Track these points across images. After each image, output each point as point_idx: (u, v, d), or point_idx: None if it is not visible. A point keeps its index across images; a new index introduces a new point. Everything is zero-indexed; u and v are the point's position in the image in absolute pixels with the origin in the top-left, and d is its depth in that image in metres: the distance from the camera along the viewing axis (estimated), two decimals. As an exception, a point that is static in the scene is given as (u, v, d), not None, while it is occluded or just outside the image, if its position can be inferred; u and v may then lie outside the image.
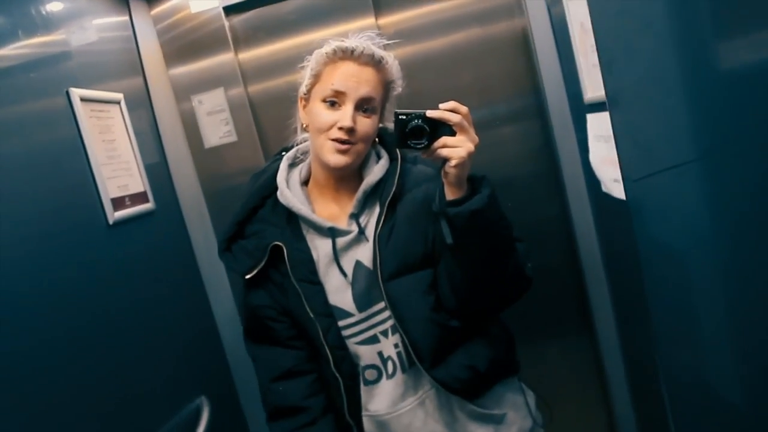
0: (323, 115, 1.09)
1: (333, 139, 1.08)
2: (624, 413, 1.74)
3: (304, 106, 1.17)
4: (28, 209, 1.14)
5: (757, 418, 1.00)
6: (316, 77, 1.12)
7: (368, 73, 1.10)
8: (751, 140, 0.89)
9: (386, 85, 1.14)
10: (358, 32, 1.13)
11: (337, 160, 1.09)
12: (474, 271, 1.07)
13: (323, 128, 1.09)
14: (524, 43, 1.69)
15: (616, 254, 1.53)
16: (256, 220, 1.20)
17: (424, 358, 1.12)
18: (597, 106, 1.28)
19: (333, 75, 1.09)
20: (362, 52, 1.08)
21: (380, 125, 1.20)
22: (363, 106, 1.09)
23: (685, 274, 0.95)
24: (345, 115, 1.08)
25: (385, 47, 1.14)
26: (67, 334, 1.17)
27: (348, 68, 1.09)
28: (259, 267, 1.16)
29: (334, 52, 1.10)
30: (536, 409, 1.27)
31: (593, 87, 1.33)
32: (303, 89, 1.16)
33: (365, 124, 1.10)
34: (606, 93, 1.01)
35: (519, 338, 1.31)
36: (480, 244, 1.03)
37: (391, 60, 1.14)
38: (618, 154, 1.01)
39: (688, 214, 0.85)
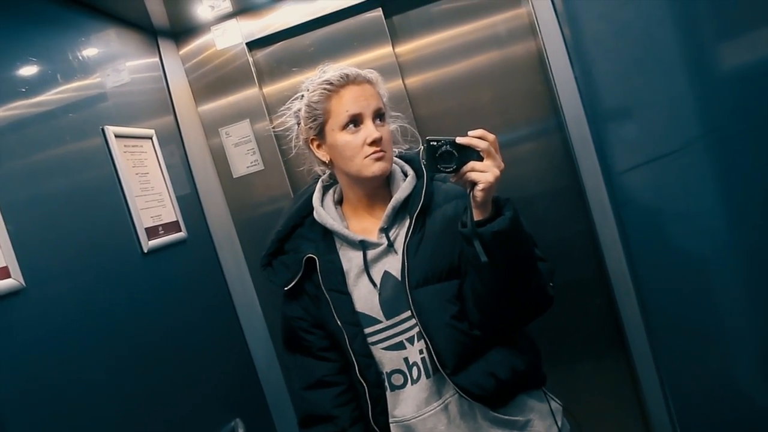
0: (351, 140, 1.18)
1: (368, 155, 1.17)
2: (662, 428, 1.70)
3: (319, 146, 1.25)
4: (70, 241, 1.21)
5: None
6: (326, 113, 1.20)
7: (369, 89, 1.20)
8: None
9: (381, 96, 1.25)
10: (326, 66, 1.25)
11: (379, 167, 1.18)
12: (496, 288, 1.12)
13: (356, 151, 1.18)
14: (540, 62, 1.72)
15: (644, 265, 1.51)
16: (295, 237, 1.30)
17: (447, 364, 1.16)
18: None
19: (342, 103, 1.18)
20: (357, 74, 1.20)
21: (405, 148, 1.32)
22: (377, 116, 1.20)
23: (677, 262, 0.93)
24: (369, 129, 1.18)
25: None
26: (107, 359, 1.22)
27: (352, 92, 1.19)
28: (296, 279, 1.25)
29: (331, 84, 1.19)
30: (563, 418, 1.27)
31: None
32: (310, 133, 1.24)
33: (386, 131, 1.21)
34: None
35: (551, 355, 1.31)
36: (502, 263, 1.07)
37: (376, 75, 1.25)
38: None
39: (675, 204, 0.86)
